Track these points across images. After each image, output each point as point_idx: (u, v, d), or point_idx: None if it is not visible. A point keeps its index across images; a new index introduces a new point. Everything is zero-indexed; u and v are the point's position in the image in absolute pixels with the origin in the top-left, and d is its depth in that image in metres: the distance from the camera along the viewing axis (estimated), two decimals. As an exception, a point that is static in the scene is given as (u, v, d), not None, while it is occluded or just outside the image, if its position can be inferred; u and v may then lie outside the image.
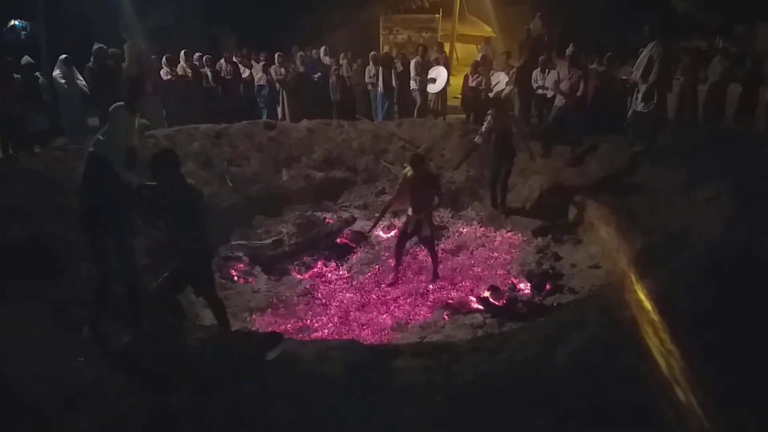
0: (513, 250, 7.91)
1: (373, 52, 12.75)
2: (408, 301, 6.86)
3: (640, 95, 8.03)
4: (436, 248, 7.50)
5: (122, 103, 4.83)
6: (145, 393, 3.73)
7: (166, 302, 4.95)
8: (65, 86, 9.27)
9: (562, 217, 8.21)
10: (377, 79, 12.04)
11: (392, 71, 12.00)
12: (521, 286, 6.87)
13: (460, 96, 12.62)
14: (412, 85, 12.03)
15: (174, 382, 3.83)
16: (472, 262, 7.68)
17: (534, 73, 10.77)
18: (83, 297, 5.00)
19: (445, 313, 6.43)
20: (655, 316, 4.20)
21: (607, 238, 6.90)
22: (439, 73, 11.83)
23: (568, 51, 9.59)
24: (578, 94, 9.06)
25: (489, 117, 8.20)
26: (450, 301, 6.73)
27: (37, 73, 9.32)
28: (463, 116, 12.28)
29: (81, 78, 9.59)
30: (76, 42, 10.52)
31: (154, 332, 4.85)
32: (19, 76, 8.78)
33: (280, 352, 4.04)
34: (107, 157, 4.50)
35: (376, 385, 3.80)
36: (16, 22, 19.05)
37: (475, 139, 8.48)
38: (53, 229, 6.02)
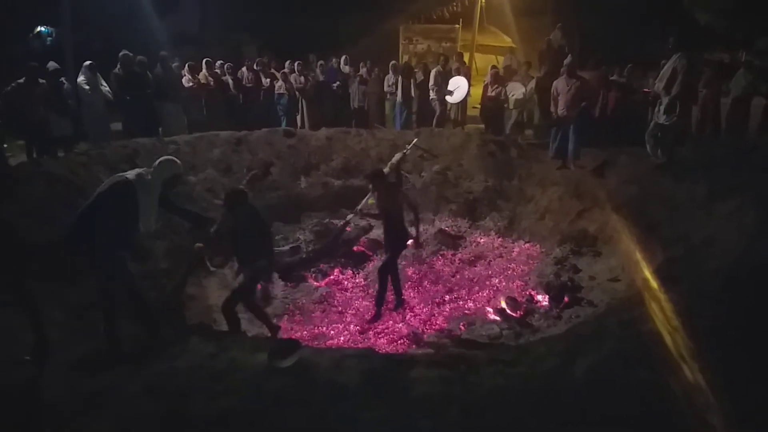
0: (531, 262, 7.86)
1: (393, 62, 12.81)
2: (424, 310, 6.83)
3: (662, 107, 7.95)
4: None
5: (173, 158, 4.92)
6: (160, 397, 3.76)
7: None
8: (89, 92, 9.44)
9: (581, 228, 8.13)
10: (396, 88, 12.09)
11: (412, 81, 12.04)
12: (539, 297, 6.82)
13: (479, 106, 12.62)
14: (432, 94, 12.06)
15: (190, 387, 3.85)
16: (490, 272, 7.65)
17: (555, 83, 10.74)
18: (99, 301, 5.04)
19: (462, 324, 6.40)
20: (674, 330, 4.15)
21: (626, 250, 6.82)
22: (459, 83, 11.85)
23: (566, 61, 9.54)
24: (577, 103, 9.04)
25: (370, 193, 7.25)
26: (467, 311, 6.70)
27: (62, 79, 9.47)
28: (482, 126, 12.28)
29: (105, 84, 9.75)
30: (101, 48, 10.70)
31: (171, 337, 4.88)
32: (44, 81, 8.93)
33: (296, 359, 4.04)
34: (136, 194, 4.50)
35: (391, 394, 3.79)
36: (42, 29, 19.42)
37: (349, 217, 7.99)
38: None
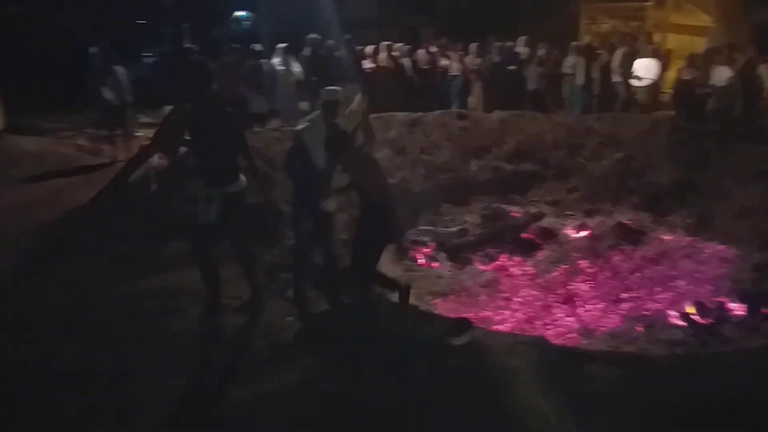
0: (724, 266, 7.13)
1: (575, 42, 12.20)
2: (597, 306, 6.53)
3: None
4: None
5: (333, 87, 5.10)
6: (338, 358, 4.04)
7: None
8: (282, 73, 10.19)
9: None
10: (576, 70, 11.50)
11: (593, 62, 11.38)
12: (731, 305, 6.16)
13: (669, 91, 11.58)
14: (615, 77, 11.31)
15: (365, 354, 4.06)
16: (675, 273, 7.07)
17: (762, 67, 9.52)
18: (289, 263, 5.48)
19: (639, 325, 6.00)
20: None
21: None
22: (648, 65, 10.97)
23: None
24: None
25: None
26: (646, 312, 6.27)
27: (261, 60, 10.32)
28: (673, 113, 11.26)
29: (296, 65, 10.46)
30: (292, 31, 11.49)
31: (349, 303, 5.17)
32: (248, 61, 9.81)
33: (469, 338, 4.09)
34: (304, 144, 4.76)
35: (566, 386, 3.69)
36: (240, 14, 21.24)
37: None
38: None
